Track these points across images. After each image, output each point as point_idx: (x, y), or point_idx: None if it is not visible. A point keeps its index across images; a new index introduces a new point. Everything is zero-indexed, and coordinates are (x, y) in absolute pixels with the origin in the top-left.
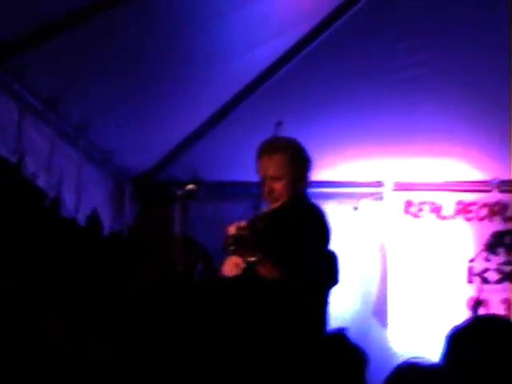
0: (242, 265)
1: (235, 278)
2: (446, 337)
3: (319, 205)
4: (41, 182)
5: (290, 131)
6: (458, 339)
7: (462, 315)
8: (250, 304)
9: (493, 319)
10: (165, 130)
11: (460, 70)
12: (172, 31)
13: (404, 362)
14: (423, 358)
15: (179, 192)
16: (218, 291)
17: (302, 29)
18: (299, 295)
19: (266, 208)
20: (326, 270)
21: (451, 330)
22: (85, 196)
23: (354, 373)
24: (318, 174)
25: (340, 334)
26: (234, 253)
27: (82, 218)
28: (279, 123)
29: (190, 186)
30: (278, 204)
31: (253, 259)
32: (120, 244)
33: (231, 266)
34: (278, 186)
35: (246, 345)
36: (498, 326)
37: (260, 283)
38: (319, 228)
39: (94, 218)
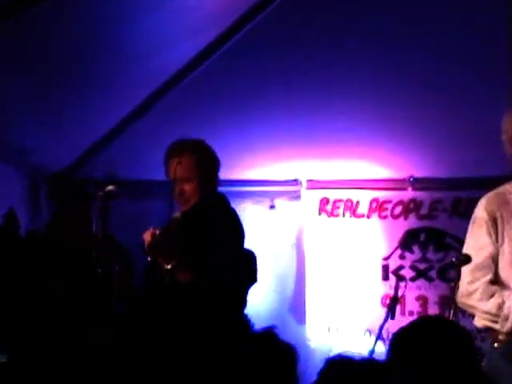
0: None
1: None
2: (391, 336)
3: (232, 204)
4: None
5: (206, 130)
6: (400, 338)
7: (377, 312)
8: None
9: (436, 319)
10: (80, 129)
11: (367, 71)
12: (91, 29)
13: (335, 356)
14: (353, 352)
15: (100, 193)
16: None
17: (221, 27)
18: (213, 297)
19: (177, 210)
20: (244, 269)
21: (396, 331)
22: (0, 195)
23: (287, 369)
24: (235, 173)
25: (270, 331)
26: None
27: None
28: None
29: (110, 187)
30: (188, 205)
31: (168, 267)
32: (37, 242)
33: (148, 235)
34: (188, 187)
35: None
36: (441, 326)
37: (174, 292)
38: (230, 228)
39: (10, 216)
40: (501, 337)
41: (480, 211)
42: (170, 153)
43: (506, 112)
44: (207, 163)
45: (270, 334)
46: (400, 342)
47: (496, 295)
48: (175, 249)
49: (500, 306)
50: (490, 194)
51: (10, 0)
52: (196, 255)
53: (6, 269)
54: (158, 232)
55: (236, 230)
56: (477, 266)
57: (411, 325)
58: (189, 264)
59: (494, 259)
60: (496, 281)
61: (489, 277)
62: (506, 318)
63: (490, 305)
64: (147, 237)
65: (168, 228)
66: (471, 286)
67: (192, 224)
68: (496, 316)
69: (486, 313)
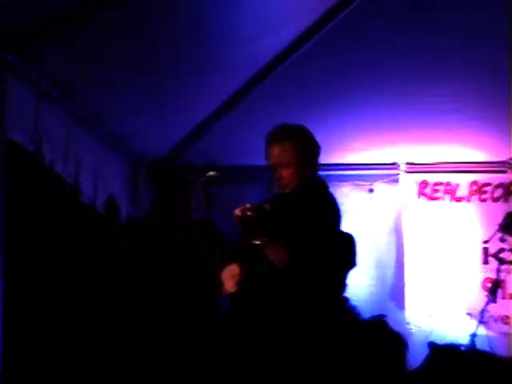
0: (239, 276)
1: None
2: None
3: (331, 188)
4: (58, 168)
5: (305, 116)
6: None
7: (477, 295)
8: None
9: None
10: (180, 116)
11: (468, 56)
12: (186, 19)
13: (441, 344)
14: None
15: (201, 179)
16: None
17: (314, 15)
18: (311, 280)
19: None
20: (344, 253)
21: None
22: (102, 182)
23: (397, 357)
24: (334, 157)
25: (380, 320)
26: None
27: (100, 203)
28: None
29: (212, 173)
30: (287, 190)
31: (258, 242)
32: (137, 229)
33: (228, 276)
34: (287, 173)
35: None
36: None
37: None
38: (328, 211)
39: (111, 203)
40: None
41: None
42: (270, 139)
43: None
44: (306, 149)
45: (380, 322)
46: None
47: None
48: (266, 226)
49: None
50: None
51: None
52: (290, 235)
53: (18, 269)
54: (248, 206)
55: (333, 213)
56: None
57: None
58: (281, 243)
59: None
60: None
61: None
62: None
63: None
64: (237, 212)
65: (261, 206)
66: None
67: (289, 205)
68: None
69: None
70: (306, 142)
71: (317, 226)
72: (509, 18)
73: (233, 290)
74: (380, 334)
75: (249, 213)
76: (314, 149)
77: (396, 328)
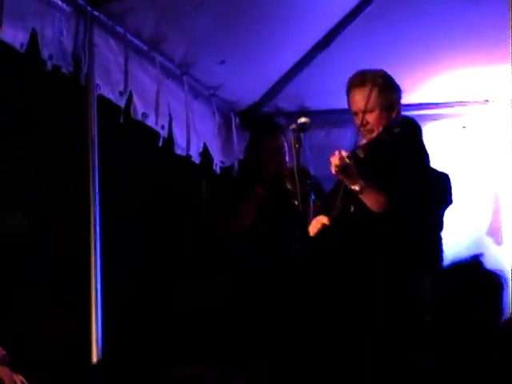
0: (328, 222)
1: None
2: None
3: (424, 127)
4: (150, 121)
5: (390, 55)
6: None
7: None
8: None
9: None
10: (268, 62)
11: None
12: None
13: None
14: None
15: (292, 126)
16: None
17: None
18: (408, 222)
19: (362, 140)
20: (440, 191)
21: None
22: (195, 132)
23: (494, 297)
24: (425, 96)
25: (477, 259)
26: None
27: (195, 154)
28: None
29: (303, 119)
30: (372, 136)
31: (356, 188)
32: (232, 178)
33: (317, 227)
34: (371, 118)
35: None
36: None
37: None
38: (418, 152)
39: (206, 153)
40: None
41: None
42: (350, 85)
43: None
44: (388, 92)
45: (476, 262)
46: None
47: None
48: (362, 172)
49: None
50: None
51: None
52: (388, 179)
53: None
54: (345, 154)
55: (423, 154)
56: None
57: None
58: (377, 187)
59: None
60: None
61: None
62: None
63: None
64: (335, 159)
65: (355, 151)
66: None
67: (380, 149)
68: None
69: None
70: (387, 85)
71: (410, 167)
72: None
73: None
74: (475, 276)
75: (347, 160)
76: (396, 92)
77: (493, 265)
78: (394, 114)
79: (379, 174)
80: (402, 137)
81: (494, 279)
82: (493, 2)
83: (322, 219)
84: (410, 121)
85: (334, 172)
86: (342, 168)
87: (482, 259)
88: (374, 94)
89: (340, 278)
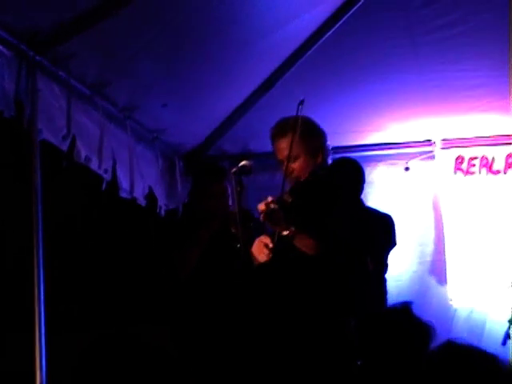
0: (271, 245)
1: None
2: None
3: (367, 169)
4: (93, 165)
5: (335, 97)
6: None
7: None
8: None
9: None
10: (211, 105)
11: (502, 23)
12: (212, 7)
13: (462, 343)
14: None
15: (234, 169)
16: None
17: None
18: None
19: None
20: (383, 233)
21: None
22: (139, 176)
23: (421, 346)
24: (368, 137)
25: (406, 307)
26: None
27: (140, 197)
28: (301, 102)
29: (244, 162)
30: (296, 183)
31: (286, 233)
32: (176, 221)
33: (260, 247)
34: (295, 165)
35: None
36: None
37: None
38: (349, 190)
39: (151, 197)
40: None
41: None
42: (273, 134)
43: None
44: (310, 138)
45: (405, 309)
46: None
47: None
48: (291, 215)
49: None
50: None
51: None
52: (316, 221)
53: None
54: (270, 199)
55: (356, 194)
56: None
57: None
58: (308, 230)
59: None
60: None
61: None
62: None
63: None
64: (261, 206)
65: (282, 197)
66: None
67: (307, 192)
68: None
69: None
70: (309, 131)
71: (341, 208)
72: None
73: (267, 258)
74: (404, 323)
75: (272, 205)
76: (319, 137)
77: (438, 305)
78: (319, 160)
79: (309, 217)
80: (329, 178)
81: (424, 328)
82: (431, 43)
83: (265, 239)
84: (343, 161)
85: (261, 219)
86: (268, 214)
87: (411, 307)
88: (296, 141)
89: (275, 321)
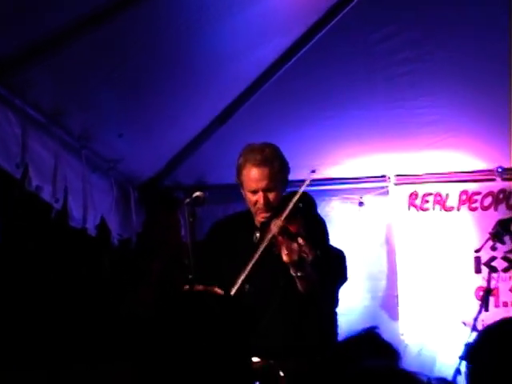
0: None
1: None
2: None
3: (321, 203)
4: (45, 194)
5: (292, 130)
6: (477, 344)
7: (471, 304)
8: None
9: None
10: (167, 136)
11: (456, 62)
12: (170, 39)
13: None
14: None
15: (187, 200)
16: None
17: (298, 29)
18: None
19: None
20: (335, 268)
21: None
22: (92, 205)
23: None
24: (321, 171)
25: (372, 332)
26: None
27: (91, 227)
28: (313, 171)
29: (197, 193)
30: (267, 214)
31: (299, 274)
32: (130, 251)
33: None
34: (272, 196)
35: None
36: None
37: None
38: (320, 228)
39: (102, 227)
40: None
41: None
42: (251, 162)
43: None
44: (285, 170)
45: (371, 334)
46: (476, 347)
47: None
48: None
49: None
50: None
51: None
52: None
53: None
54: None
55: (324, 229)
56: None
57: (491, 328)
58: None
59: None
60: None
61: None
62: None
63: None
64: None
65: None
66: None
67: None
68: None
69: None
70: (285, 163)
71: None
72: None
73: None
74: (371, 346)
75: (305, 250)
76: (288, 169)
77: (389, 340)
78: (283, 191)
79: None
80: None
81: (390, 350)
82: (387, 79)
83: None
84: (307, 195)
85: (293, 259)
86: (301, 257)
87: (377, 331)
88: (275, 173)
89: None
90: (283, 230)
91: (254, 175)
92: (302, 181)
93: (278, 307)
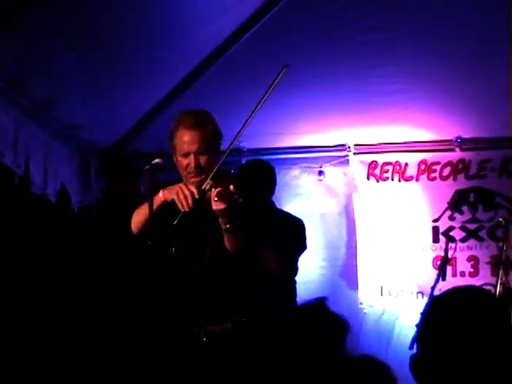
0: (197, 196)
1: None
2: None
3: (281, 172)
4: (7, 160)
5: (252, 100)
6: (429, 310)
7: (428, 274)
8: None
9: (467, 290)
10: (129, 103)
11: (417, 33)
12: (133, 6)
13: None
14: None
15: (146, 166)
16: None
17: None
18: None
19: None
20: (294, 237)
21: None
22: (52, 172)
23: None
24: (283, 140)
25: (321, 302)
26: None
27: (51, 193)
28: (286, 66)
29: (157, 160)
30: (201, 178)
31: (230, 226)
32: (89, 218)
33: (184, 194)
34: (203, 160)
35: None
36: (470, 296)
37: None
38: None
39: (63, 193)
40: None
41: None
42: (184, 125)
43: None
44: (218, 136)
45: (320, 305)
46: (428, 314)
47: None
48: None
49: None
50: None
51: None
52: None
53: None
54: (232, 188)
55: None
56: None
57: (440, 296)
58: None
59: None
60: None
61: None
62: None
63: None
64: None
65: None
66: None
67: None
68: None
69: None
70: (218, 129)
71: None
72: None
73: (187, 208)
74: (319, 318)
75: (236, 196)
76: (221, 137)
77: (348, 308)
78: (218, 158)
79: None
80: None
81: (339, 321)
82: (349, 48)
83: (193, 189)
84: (254, 162)
85: (221, 207)
86: (231, 203)
87: (326, 302)
88: (209, 136)
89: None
90: (213, 186)
91: (186, 138)
92: (263, 149)
93: (205, 269)
